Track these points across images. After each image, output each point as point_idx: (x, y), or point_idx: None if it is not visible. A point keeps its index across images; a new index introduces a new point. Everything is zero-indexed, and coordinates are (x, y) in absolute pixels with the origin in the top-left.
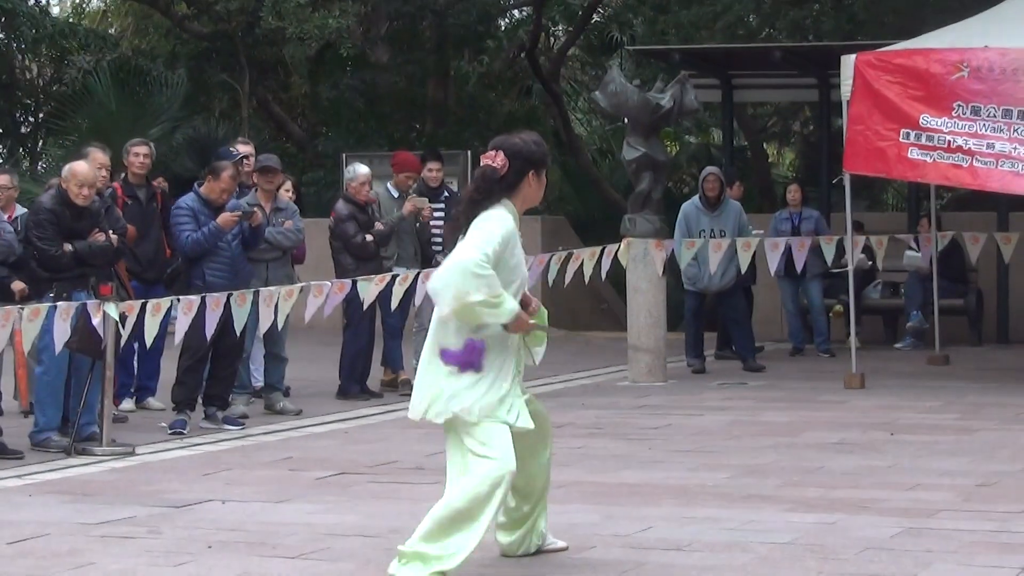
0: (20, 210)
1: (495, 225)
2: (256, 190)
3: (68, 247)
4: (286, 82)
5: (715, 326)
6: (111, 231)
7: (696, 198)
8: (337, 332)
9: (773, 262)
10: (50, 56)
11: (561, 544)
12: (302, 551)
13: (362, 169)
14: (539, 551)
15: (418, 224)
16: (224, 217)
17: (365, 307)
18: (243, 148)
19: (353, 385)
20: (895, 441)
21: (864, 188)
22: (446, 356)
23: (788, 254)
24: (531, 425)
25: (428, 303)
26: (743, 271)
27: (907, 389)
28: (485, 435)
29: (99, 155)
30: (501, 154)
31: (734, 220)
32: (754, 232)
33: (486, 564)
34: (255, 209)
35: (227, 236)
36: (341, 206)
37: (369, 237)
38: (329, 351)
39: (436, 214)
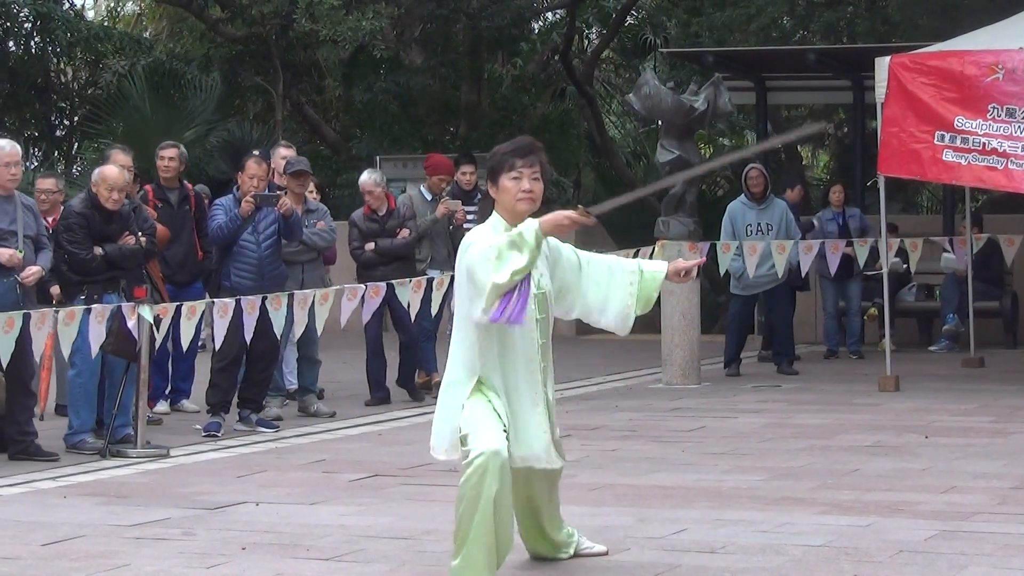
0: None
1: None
2: (287, 192)
3: (98, 251)
4: (320, 85)
5: (754, 328)
6: (140, 233)
7: (742, 196)
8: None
9: (806, 264)
10: (85, 60)
11: (600, 548)
12: (336, 553)
13: (363, 177)
14: (576, 555)
15: (451, 227)
16: (243, 204)
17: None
18: (284, 151)
19: (379, 390)
20: (930, 444)
21: (898, 191)
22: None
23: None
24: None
25: None
26: (780, 273)
27: (942, 392)
28: None
29: (120, 156)
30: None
31: (780, 216)
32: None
33: (518, 567)
34: (279, 194)
35: (258, 236)
36: (353, 215)
37: (370, 246)
38: (363, 354)
39: (469, 217)
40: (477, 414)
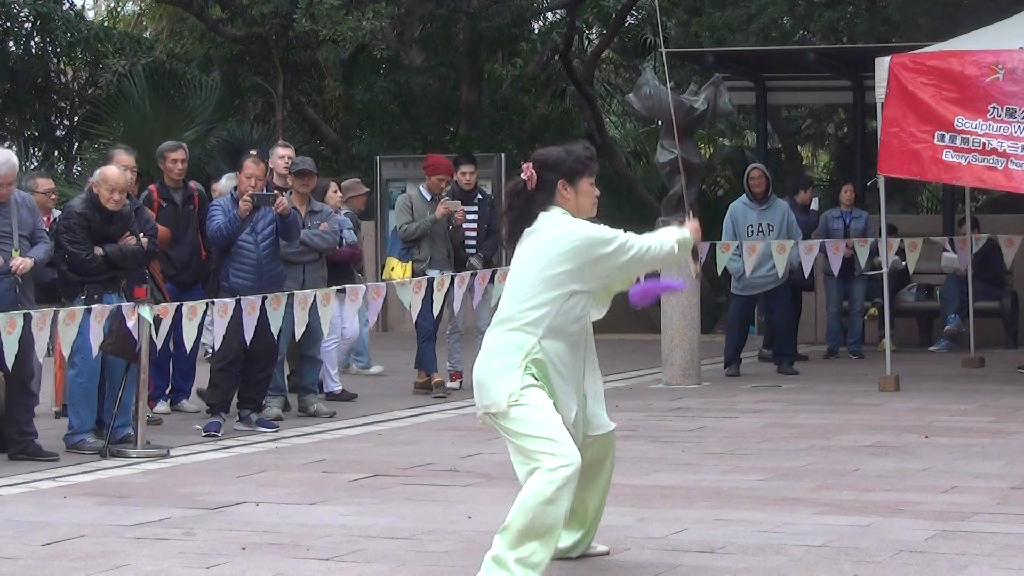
0: (55, 213)
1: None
2: (291, 192)
3: (99, 251)
4: (320, 85)
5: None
6: (141, 233)
7: (743, 196)
8: (375, 335)
9: (807, 264)
10: (85, 60)
11: (602, 548)
12: (336, 553)
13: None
14: (582, 555)
15: (451, 227)
16: (241, 204)
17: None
18: (283, 151)
19: None
20: (929, 444)
21: (898, 191)
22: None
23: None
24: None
25: (484, 306)
26: (780, 274)
27: (942, 392)
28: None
29: (123, 156)
30: (530, 166)
31: (781, 216)
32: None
33: None
34: (275, 194)
35: (257, 236)
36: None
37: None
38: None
39: (469, 217)
40: (544, 413)
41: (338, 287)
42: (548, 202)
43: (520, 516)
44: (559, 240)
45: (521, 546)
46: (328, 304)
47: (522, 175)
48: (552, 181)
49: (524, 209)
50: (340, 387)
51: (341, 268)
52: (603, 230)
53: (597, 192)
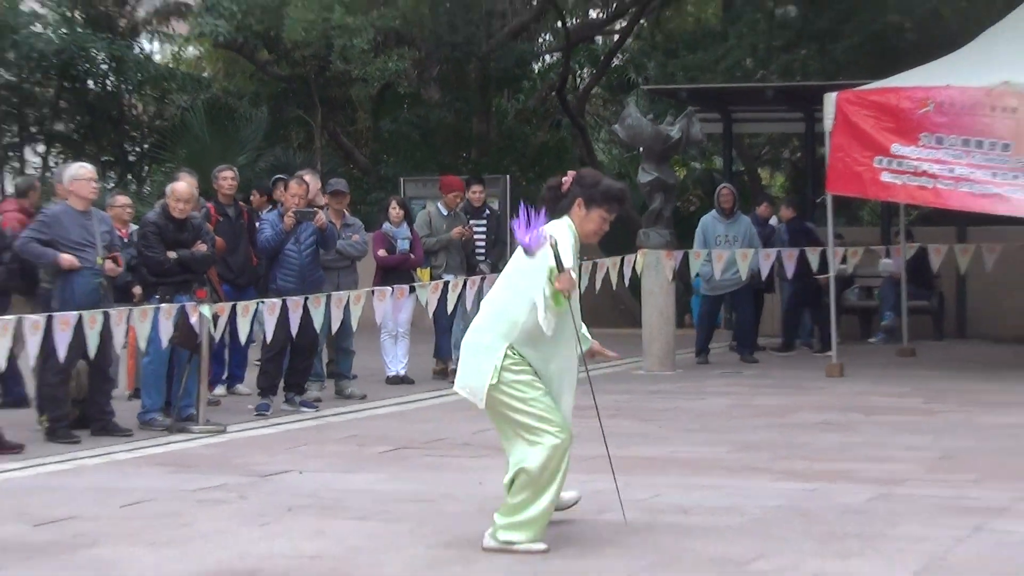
0: (132, 227)
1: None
2: (327, 209)
3: (171, 255)
4: (352, 117)
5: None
6: (199, 241)
7: (713, 210)
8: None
9: (765, 269)
10: (153, 96)
11: (573, 494)
12: (367, 513)
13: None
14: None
15: (463, 239)
16: (286, 219)
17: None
18: (307, 178)
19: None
20: (869, 421)
21: (843, 206)
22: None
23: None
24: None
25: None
26: (743, 277)
27: (880, 377)
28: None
29: (187, 178)
30: (571, 176)
31: (745, 229)
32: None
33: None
34: (315, 210)
35: (300, 246)
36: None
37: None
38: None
39: (478, 230)
40: (534, 393)
41: (369, 288)
42: (566, 209)
43: (519, 490)
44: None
45: (520, 513)
46: (359, 303)
47: (564, 179)
48: (576, 195)
49: (552, 203)
50: (395, 372)
51: (395, 272)
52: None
53: (605, 228)
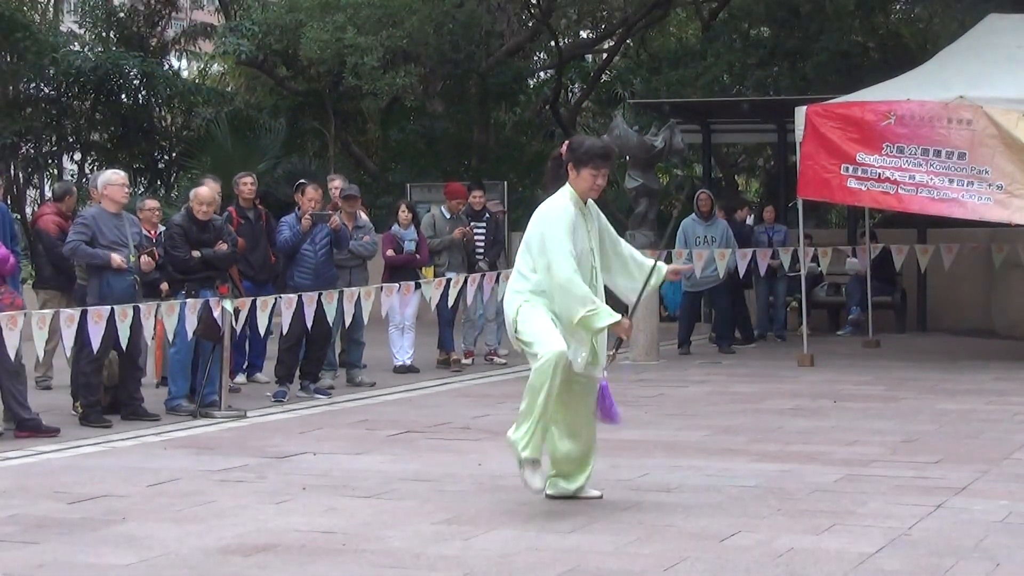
0: (160, 228)
1: (552, 223)
2: (341, 212)
3: (196, 253)
4: (363, 128)
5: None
6: (220, 241)
7: (693, 214)
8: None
9: (742, 268)
10: (181, 109)
11: (596, 493)
12: (375, 492)
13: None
14: (574, 496)
15: (464, 239)
16: (303, 221)
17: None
18: (336, 183)
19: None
20: (837, 407)
21: (813, 210)
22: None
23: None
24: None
25: (491, 300)
26: (721, 275)
27: (847, 367)
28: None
29: (211, 183)
30: (565, 145)
31: (722, 231)
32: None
33: (520, 501)
34: (329, 213)
35: (315, 246)
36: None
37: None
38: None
39: (478, 231)
40: (540, 319)
41: (378, 285)
42: (565, 177)
43: (522, 401)
44: (533, 218)
45: (521, 426)
46: (369, 299)
47: (561, 149)
48: (567, 160)
49: (554, 172)
50: (401, 362)
51: (402, 270)
52: (556, 236)
53: (599, 183)
